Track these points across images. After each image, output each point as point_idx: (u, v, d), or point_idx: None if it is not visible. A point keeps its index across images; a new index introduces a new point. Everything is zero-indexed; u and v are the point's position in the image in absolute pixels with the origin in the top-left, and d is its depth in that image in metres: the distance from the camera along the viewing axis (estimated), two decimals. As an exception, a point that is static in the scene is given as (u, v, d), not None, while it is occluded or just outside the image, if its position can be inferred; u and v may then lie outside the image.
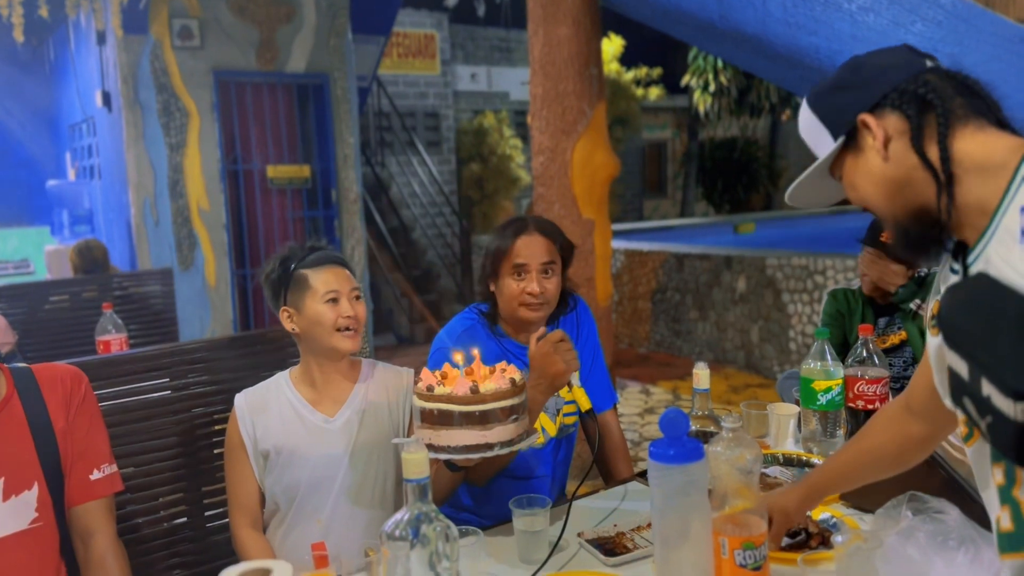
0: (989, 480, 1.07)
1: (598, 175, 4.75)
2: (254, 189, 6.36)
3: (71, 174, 8.40)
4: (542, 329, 1.77)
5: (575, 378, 1.72)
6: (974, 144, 1.06)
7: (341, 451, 1.79)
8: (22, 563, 1.55)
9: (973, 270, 1.05)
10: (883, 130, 1.11)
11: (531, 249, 1.93)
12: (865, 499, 1.63)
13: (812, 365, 1.94)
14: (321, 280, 1.76)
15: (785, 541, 1.48)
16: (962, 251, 1.11)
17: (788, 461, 1.90)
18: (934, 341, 1.16)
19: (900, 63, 1.13)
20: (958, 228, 1.09)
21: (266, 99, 6.31)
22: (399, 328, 8.34)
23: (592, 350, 2.12)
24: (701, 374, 1.78)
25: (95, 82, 6.42)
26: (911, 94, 1.10)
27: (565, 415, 2.02)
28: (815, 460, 1.87)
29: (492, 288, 1.99)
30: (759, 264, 6.13)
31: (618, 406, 2.16)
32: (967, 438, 1.09)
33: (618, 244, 7.28)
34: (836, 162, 1.19)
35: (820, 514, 1.58)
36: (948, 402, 1.14)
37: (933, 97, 1.08)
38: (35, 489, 1.57)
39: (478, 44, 12.04)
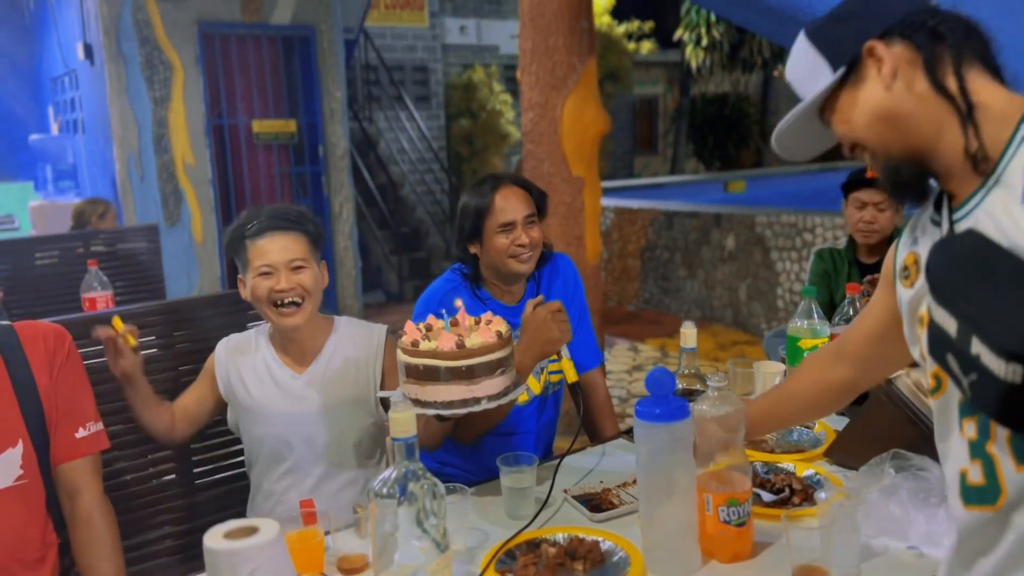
0: (952, 432, 1.08)
1: (588, 131, 4.71)
2: (240, 144, 6.28)
3: (54, 128, 8.26)
4: (540, 296, 1.77)
5: (565, 350, 1.73)
6: (981, 87, 1.03)
7: (307, 408, 1.80)
8: (9, 519, 1.55)
9: (962, 225, 1.04)
10: (892, 57, 1.05)
11: (512, 203, 1.94)
12: (848, 456, 1.65)
13: (799, 323, 1.95)
14: (257, 253, 1.74)
15: (769, 497, 1.50)
16: (947, 201, 1.08)
17: (773, 419, 1.91)
18: (906, 292, 1.15)
19: None
20: (947, 177, 1.07)
21: (251, 52, 6.20)
22: (388, 285, 8.33)
23: (579, 309, 2.12)
24: (688, 333, 1.78)
25: (76, 34, 6.29)
26: (921, 25, 1.05)
27: (550, 373, 2.02)
28: (800, 418, 1.88)
29: (473, 250, 1.98)
30: (748, 222, 6.13)
31: (606, 364, 2.17)
32: (934, 391, 1.10)
33: (608, 201, 7.26)
34: (829, 100, 1.13)
35: (804, 471, 1.60)
36: (916, 352, 1.15)
37: (945, 29, 1.04)
38: (19, 447, 1.57)
39: (467, -4, 11.82)
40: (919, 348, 1.13)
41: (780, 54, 14.42)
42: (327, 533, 1.41)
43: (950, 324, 0.95)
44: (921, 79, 1.05)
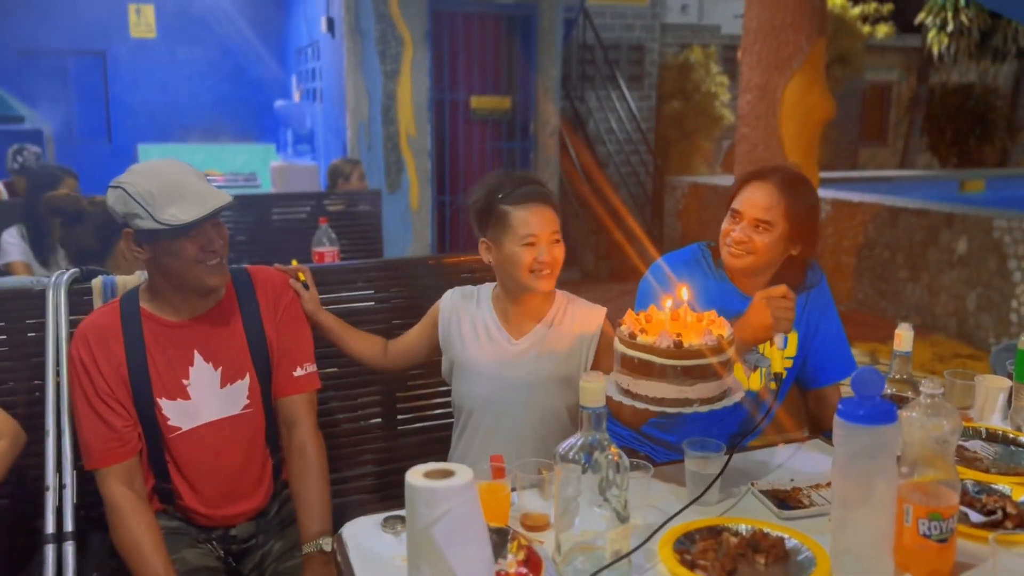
0: None
1: (810, 116, 4.48)
2: (457, 118, 6.56)
3: (296, 96, 9.03)
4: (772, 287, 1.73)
5: (779, 339, 1.67)
6: None
7: (518, 375, 1.85)
8: (236, 442, 1.77)
9: None
10: None
11: (753, 198, 1.89)
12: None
13: (1034, 338, 1.77)
14: (521, 220, 1.77)
15: (977, 518, 1.39)
16: None
17: (992, 437, 1.76)
18: None
19: None
20: None
21: (475, 29, 6.44)
22: (585, 264, 8.39)
23: (824, 317, 2.08)
24: (904, 335, 1.67)
25: (321, 8, 6.82)
26: None
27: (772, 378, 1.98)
28: (1023, 439, 1.72)
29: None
30: (985, 225, 5.57)
31: None
32: None
33: (825, 193, 6.86)
34: None
35: (1021, 496, 1.46)
36: None
37: None
38: (247, 379, 1.77)
39: (692, -26, 11.54)
40: None
41: (1041, 42, 12.87)
42: (513, 489, 1.48)
43: None
44: None
